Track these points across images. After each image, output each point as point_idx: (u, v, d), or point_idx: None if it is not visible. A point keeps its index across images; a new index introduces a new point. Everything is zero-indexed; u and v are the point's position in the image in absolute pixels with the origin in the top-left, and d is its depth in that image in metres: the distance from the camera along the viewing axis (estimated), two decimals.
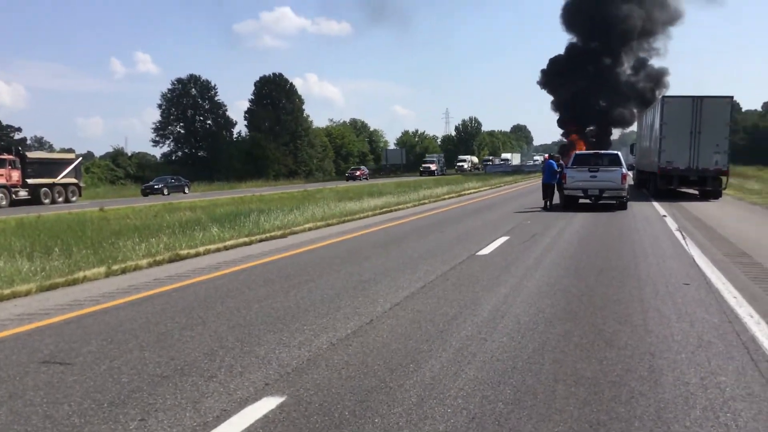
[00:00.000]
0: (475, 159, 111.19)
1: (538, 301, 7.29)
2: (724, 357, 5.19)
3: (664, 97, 26.62)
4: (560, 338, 5.74)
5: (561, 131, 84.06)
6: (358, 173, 78.10)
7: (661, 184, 25.77)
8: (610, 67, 76.01)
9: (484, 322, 6.34)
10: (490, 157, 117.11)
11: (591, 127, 77.34)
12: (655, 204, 22.18)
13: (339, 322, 6.49)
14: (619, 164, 20.69)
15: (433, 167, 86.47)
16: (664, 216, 17.79)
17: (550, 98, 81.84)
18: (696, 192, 26.39)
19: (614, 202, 20.36)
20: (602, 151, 25.14)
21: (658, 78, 75.30)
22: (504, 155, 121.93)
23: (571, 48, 77.65)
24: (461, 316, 6.61)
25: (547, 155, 28.05)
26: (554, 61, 79.14)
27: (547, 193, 21.46)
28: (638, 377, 4.71)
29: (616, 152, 23.05)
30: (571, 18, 76.11)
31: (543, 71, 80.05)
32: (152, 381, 4.81)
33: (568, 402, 4.26)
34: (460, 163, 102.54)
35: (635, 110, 73.06)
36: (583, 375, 4.76)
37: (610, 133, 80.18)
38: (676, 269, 9.39)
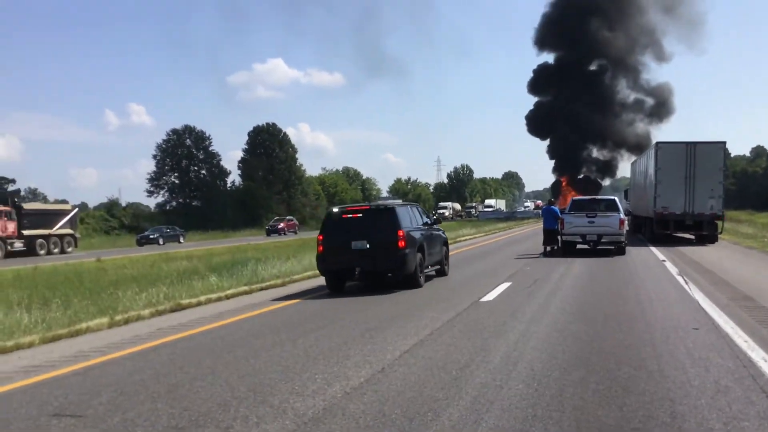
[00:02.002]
0: (458, 206, 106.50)
1: (549, 347, 7.23)
2: (744, 402, 5.13)
3: (658, 143, 26.89)
4: (577, 385, 5.68)
5: (553, 177, 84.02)
6: (281, 225, 61.13)
7: (657, 228, 25.85)
8: (608, 85, 75.48)
9: (497, 369, 6.27)
10: (473, 204, 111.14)
11: (584, 172, 77.43)
12: (653, 249, 22.23)
13: (350, 370, 6.41)
14: (617, 209, 20.79)
15: (446, 213, 70.87)
16: (664, 261, 17.81)
17: (542, 145, 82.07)
18: (692, 237, 26.48)
19: (612, 247, 20.38)
20: (599, 197, 25.31)
21: (663, 94, 74.13)
22: (488, 201, 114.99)
23: (558, 64, 76.79)
24: (473, 363, 6.54)
25: (539, 201, 28.18)
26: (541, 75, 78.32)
27: (550, 238, 21.46)
28: (661, 423, 4.65)
29: (613, 197, 23.21)
30: (551, 37, 76.32)
31: (530, 83, 79.37)
32: None
33: None
34: (441, 210, 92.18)
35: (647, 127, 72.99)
36: (605, 422, 4.70)
37: (615, 166, 79.05)
38: (682, 314, 9.36)
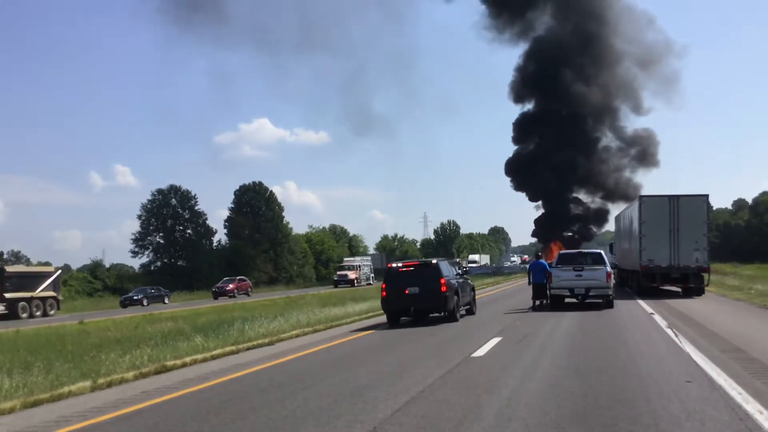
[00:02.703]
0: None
1: (542, 403, 7.12)
2: None
3: (641, 196, 27.15)
4: None
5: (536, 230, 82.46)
6: (230, 287, 54.37)
7: (643, 281, 25.89)
8: (590, 131, 74.06)
9: (492, 427, 6.15)
10: (457, 260, 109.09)
11: (569, 232, 76.34)
12: (640, 302, 22.20)
13: (341, 431, 6.27)
14: (603, 263, 20.81)
15: (352, 275, 61.46)
16: (652, 314, 17.77)
17: (527, 201, 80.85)
18: (679, 289, 26.52)
19: (601, 300, 20.34)
20: (586, 250, 25.35)
21: (645, 140, 72.33)
22: (472, 257, 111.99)
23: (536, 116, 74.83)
24: (467, 421, 6.41)
25: (526, 256, 28.42)
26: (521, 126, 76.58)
27: (538, 293, 21.43)
28: None
29: (599, 251, 23.26)
30: (526, 92, 75.89)
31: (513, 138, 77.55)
32: None
33: None
34: None
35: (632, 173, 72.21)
36: None
37: (605, 217, 75.38)
38: (674, 367, 9.28)
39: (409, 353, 11.90)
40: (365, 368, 10.29)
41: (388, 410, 7.04)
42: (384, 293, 17.78)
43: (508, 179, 79.58)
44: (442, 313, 17.78)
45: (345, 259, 74.69)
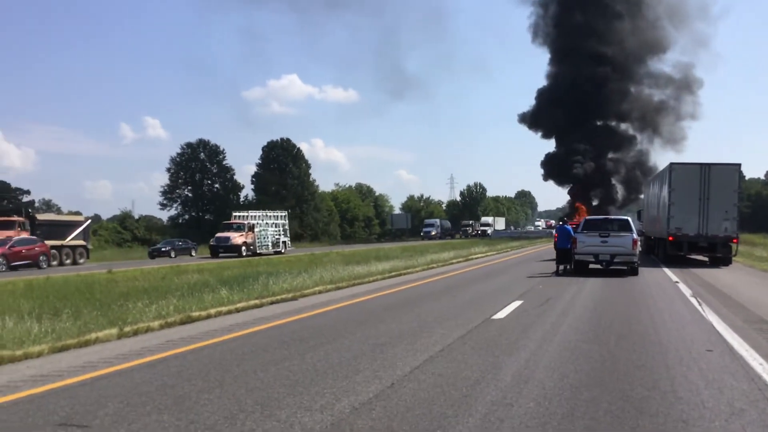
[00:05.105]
0: (447, 223, 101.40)
1: (560, 366, 7.14)
2: (758, 425, 5.05)
3: (672, 163, 26.74)
4: (588, 404, 5.59)
5: (566, 197, 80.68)
6: None
7: (670, 249, 25.67)
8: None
9: (508, 387, 6.20)
10: (470, 222, 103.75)
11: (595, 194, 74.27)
12: (666, 270, 22.05)
13: (359, 385, 6.35)
14: (630, 230, 20.64)
15: (238, 239, 43.67)
16: (677, 282, 17.65)
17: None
18: (706, 258, 26.26)
19: (625, 267, 20.22)
20: (612, 216, 25.17)
21: (686, 77, 69.12)
22: (485, 219, 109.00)
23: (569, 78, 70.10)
24: (484, 381, 6.47)
25: (551, 221, 28.39)
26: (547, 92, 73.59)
27: (563, 258, 21.36)
28: None
29: (626, 218, 23.08)
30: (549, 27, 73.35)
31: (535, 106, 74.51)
32: None
33: None
34: (428, 228, 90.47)
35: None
36: None
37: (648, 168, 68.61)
38: (696, 335, 9.24)
39: (429, 313, 11.96)
40: (386, 326, 10.37)
41: (407, 368, 7.11)
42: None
43: (526, 126, 76.78)
44: None
45: (234, 213, 48.85)
